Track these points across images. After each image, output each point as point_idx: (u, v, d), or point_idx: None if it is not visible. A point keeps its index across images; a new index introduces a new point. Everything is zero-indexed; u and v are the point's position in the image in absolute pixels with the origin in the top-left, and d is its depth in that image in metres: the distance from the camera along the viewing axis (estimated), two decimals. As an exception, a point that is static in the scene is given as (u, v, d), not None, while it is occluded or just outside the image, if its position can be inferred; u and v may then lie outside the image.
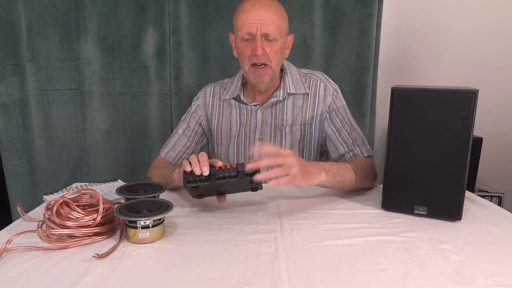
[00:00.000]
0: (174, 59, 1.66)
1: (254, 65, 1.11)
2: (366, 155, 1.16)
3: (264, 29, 1.07)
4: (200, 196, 0.97)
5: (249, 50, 1.10)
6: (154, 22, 1.63)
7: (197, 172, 0.88)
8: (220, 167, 0.89)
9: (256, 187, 0.93)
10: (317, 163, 1.01)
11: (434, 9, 1.75)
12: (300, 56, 1.66)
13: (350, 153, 1.17)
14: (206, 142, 1.34)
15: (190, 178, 0.88)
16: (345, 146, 1.18)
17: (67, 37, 1.61)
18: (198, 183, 0.88)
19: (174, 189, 1.13)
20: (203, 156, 0.92)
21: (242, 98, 1.23)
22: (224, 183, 0.89)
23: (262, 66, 1.11)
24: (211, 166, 0.89)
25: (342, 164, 1.06)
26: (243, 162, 0.89)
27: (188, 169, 0.90)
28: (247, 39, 1.10)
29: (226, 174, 0.88)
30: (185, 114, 1.33)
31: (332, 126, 1.21)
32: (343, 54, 1.69)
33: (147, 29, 1.63)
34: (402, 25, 1.77)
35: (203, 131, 1.31)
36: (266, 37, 1.09)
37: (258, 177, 0.87)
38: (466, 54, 1.78)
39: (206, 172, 0.87)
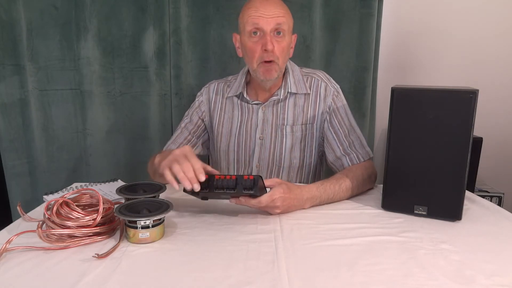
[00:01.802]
0: (174, 59, 1.66)
1: (263, 61, 1.11)
2: (363, 160, 1.16)
3: (273, 23, 1.08)
4: (205, 198, 0.97)
5: (258, 46, 1.10)
6: (154, 22, 1.63)
7: (188, 187, 0.84)
8: (219, 177, 0.88)
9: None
10: (306, 192, 0.98)
11: (434, 9, 1.75)
12: (300, 56, 1.65)
13: (347, 157, 1.16)
14: (207, 138, 1.34)
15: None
16: (341, 148, 1.18)
17: (67, 37, 1.61)
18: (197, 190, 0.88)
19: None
20: (197, 163, 0.86)
21: (245, 96, 1.23)
22: (222, 193, 0.88)
23: (269, 61, 1.11)
24: (210, 175, 0.88)
25: (335, 185, 1.03)
26: (242, 174, 0.88)
27: (181, 175, 0.84)
28: (256, 34, 1.10)
29: (225, 185, 0.87)
30: (188, 110, 1.33)
31: (330, 127, 1.20)
32: (343, 54, 1.69)
33: (147, 29, 1.63)
34: (402, 25, 1.77)
35: (205, 126, 1.32)
36: (275, 32, 1.09)
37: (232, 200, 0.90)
38: (466, 54, 1.78)
39: (197, 189, 0.84)
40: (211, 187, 0.87)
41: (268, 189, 0.93)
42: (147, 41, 1.64)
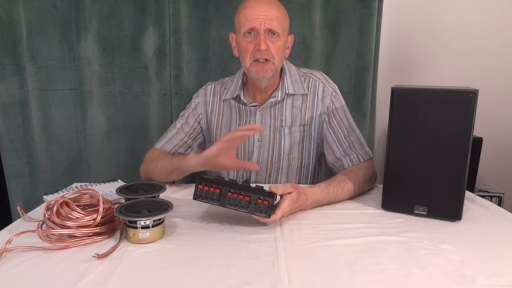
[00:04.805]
0: (174, 59, 1.66)
1: (256, 60, 1.11)
2: (363, 160, 1.16)
3: (267, 24, 1.08)
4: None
5: (252, 45, 1.10)
6: (154, 22, 1.63)
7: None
8: (232, 194, 0.86)
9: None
10: (311, 198, 0.98)
11: (434, 9, 1.75)
12: (300, 56, 1.66)
13: (347, 158, 1.16)
14: (203, 140, 1.34)
15: (202, 194, 0.87)
16: (341, 149, 1.18)
17: (67, 37, 1.61)
18: (208, 201, 0.87)
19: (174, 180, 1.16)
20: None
21: (242, 98, 1.23)
22: (233, 209, 0.87)
23: (264, 61, 1.11)
24: (223, 188, 0.86)
25: (337, 188, 1.03)
26: (256, 193, 0.85)
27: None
28: (250, 34, 1.10)
29: (237, 203, 0.86)
30: (184, 111, 1.33)
31: (329, 128, 1.20)
32: (343, 54, 1.69)
33: (147, 29, 1.63)
34: (402, 25, 1.77)
35: (201, 129, 1.31)
36: (269, 32, 1.09)
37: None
38: (466, 54, 1.78)
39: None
40: (222, 202, 0.87)
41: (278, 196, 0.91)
42: (147, 41, 1.64)
